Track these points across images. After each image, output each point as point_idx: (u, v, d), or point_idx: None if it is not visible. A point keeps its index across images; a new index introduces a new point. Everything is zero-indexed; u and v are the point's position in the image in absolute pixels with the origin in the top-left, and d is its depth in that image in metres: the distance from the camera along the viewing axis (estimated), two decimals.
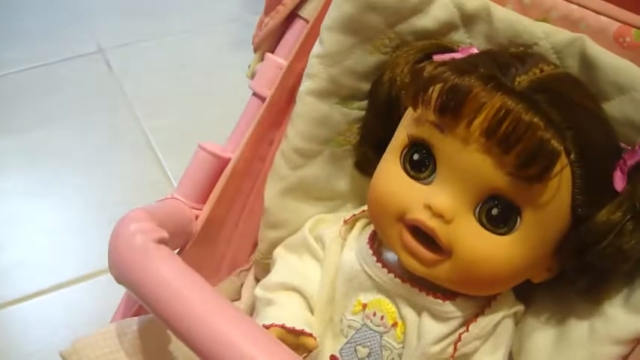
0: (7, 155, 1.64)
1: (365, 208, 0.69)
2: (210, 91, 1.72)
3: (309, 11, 0.72)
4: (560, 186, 0.55)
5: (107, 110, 1.73)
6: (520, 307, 0.65)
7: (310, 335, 0.64)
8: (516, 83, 0.56)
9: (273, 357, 0.48)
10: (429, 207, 0.57)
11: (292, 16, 0.73)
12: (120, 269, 0.56)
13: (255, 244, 0.78)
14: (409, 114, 0.62)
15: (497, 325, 0.63)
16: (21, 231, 1.47)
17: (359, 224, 0.70)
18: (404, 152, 0.61)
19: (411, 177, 0.60)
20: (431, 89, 0.57)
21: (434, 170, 0.59)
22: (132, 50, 1.92)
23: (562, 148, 0.53)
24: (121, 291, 1.13)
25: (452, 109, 0.55)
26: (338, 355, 0.65)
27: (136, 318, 0.70)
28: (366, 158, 0.71)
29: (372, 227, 0.68)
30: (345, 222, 0.69)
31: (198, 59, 1.87)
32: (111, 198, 1.49)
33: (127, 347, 0.67)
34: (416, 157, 0.60)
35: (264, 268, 0.76)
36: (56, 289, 1.36)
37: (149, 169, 1.56)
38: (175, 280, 0.53)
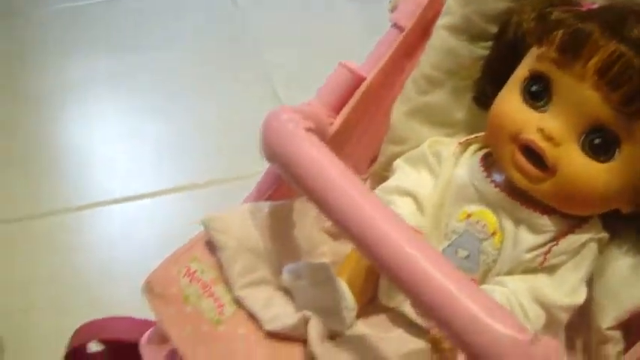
0: (134, 70, 1.77)
1: (478, 134, 0.80)
2: (329, 31, 1.83)
3: None
4: None
5: (229, 40, 1.85)
6: (605, 235, 0.75)
7: (421, 233, 0.75)
8: (631, 31, 0.66)
9: (411, 240, 0.59)
10: (541, 130, 0.68)
11: None
12: (273, 149, 0.67)
13: (373, 159, 0.90)
14: (531, 53, 0.72)
15: (583, 245, 0.73)
16: (136, 141, 1.62)
17: (472, 147, 0.80)
18: (524, 84, 0.72)
19: (528, 105, 0.71)
20: (555, 32, 0.67)
21: (549, 101, 0.70)
22: None
23: None
24: (211, 205, 1.29)
25: (572, 50, 0.66)
26: None
27: (267, 202, 0.82)
28: (485, 93, 0.81)
29: (483, 151, 0.79)
30: (460, 144, 0.80)
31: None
32: (220, 124, 1.62)
33: (257, 224, 0.79)
34: (534, 88, 0.71)
35: (380, 180, 0.87)
36: (156, 195, 1.52)
37: (264, 101, 1.68)
38: (322, 159, 0.65)
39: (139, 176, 1.57)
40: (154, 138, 1.67)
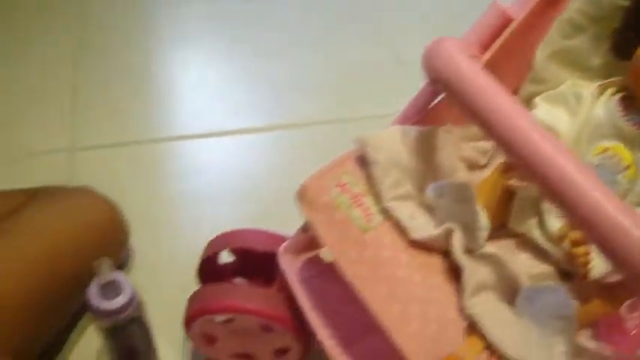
0: (246, 9, 1.86)
1: (615, 79, 0.87)
2: None
3: None
4: None
5: None
6: None
7: None
8: None
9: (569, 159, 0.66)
10: None
11: None
12: (440, 73, 0.75)
13: (514, 94, 0.97)
14: None
15: None
16: (253, 78, 1.71)
17: (609, 90, 0.87)
18: None
19: None
20: None
21: None
22: None
23: None
24: (286, 148, 1.36)
25: None
26: None
27: (413, 127, 0.89)
28: (622, 43, 0.88)
29: (620, 94, 0.86)
30: (599, 86, 0.87)
31: None
32: (331, 67, 1.69)
33: (406, 145, 0.87)
34: None
35: None
36: (238, 133, 1.60)
37: (379, 46, 1.75)
38: (489, 84, 0.72)
39: (252, 111, 1.65)
40: (272, 76, 1.76)
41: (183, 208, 1.39)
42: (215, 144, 1.57)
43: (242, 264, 1.13)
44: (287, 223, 1.05)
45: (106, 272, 0.93)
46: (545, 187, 0.66)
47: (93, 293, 0.95)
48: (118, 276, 0.94)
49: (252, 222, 1.12)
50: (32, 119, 1.60)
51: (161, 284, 1.05)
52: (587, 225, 0.63)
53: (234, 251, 1.12)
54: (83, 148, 1.53)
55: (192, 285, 1.10)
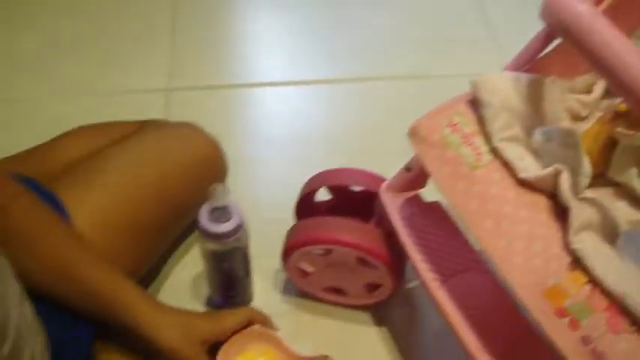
0: None
1: None
2: None
3: None
4: None
5: None
6: None
7: None
8: None
9: None
10: None
11: None
12: (559, 18, 0.79)
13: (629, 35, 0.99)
14: None
15: None
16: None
17: None
18: None
19: None
20: None
21: None
22: None
23: None
24: (375, 99, 1.41)
25: None
26: None
27: (524, 74, 0.94)
28: None
29: None
30: None
31: None
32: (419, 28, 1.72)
33: (517, 90, 0.91)
34: None
35: None
36: (304, 84, 1.64)
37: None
38: (602, 26, 0.76)
39: (347, 61, 1.70)
40: (370, 26, 1.79)
41: (277, 150, 1.45)
42: (307, 92, 1.62)
43: (337, 202, 1.18)
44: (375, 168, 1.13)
45: (220, 197, 0.98)
46: None
47: (204, 216, 1.01)
48: (230, 202, 1.00)
49: (343, 165, 1.17)
50: (130, 59, 1.67)
51: (255, 220, 1.10)
52: None
53: (331, 189, 1.17)
54: (179, 89, 1.59)
55: (286, 222, 1.16)
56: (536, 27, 0.87)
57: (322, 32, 1.77)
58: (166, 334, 0.92)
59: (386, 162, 1.11)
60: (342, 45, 1.72)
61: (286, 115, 1.55)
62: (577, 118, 0.97)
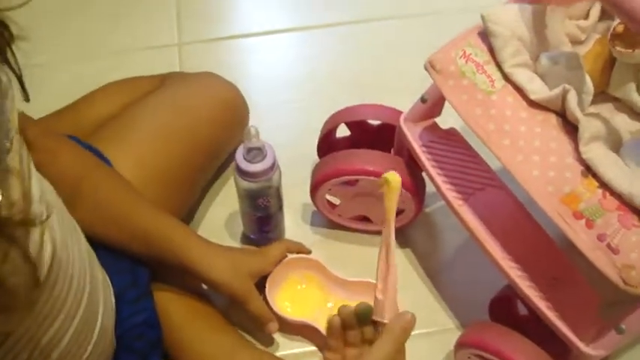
0: None
1: None
2: None
3: None
4: None
5: None
6: None
7: None
8: None
9: None
10: None
11: None
12: None
13: None
14: None
15: None
16: None
17: None
18: None
19: None
20: None
21: None
22: None
23: None
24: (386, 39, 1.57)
25: None
26: None
27: (529, 5, 1.02)
28: None
29: None
30: None
31: None
32: None
33: (523, 19, 1.00)
34: None
35: None
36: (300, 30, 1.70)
37: None
38: None
39: (352, 3, 1.77)
40: None
41: (292, 93, 1.53)
42: (315, 36, 1.69)
43: (356, 137, 1.28)
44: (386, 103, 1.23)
45: (255, 137, 1.07)
46: None
47: (241, 156, 1.10)
48: (264, 142, 1.09)
49: (356, 102, 1.27)
50: (139, 17, 1.73)
51: (280, 159, 1.19)
52: None
53: (350, 126, 1.27)
54: (190, 42, 1.66)
55: (309, 159, 1.29)
56: None
57: None
58: (218, 269, 1.02)
59: (396, 97, 1.23)
60: None
61: (296, 59, 1.63)
62: (576, 42, 1.06)
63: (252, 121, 1.35)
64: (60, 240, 0.72)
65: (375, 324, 0.83)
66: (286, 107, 1.49)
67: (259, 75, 1.59)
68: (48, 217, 0.66)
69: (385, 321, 0.81)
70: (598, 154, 0.89)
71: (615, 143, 0.95)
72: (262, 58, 1.62)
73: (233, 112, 1.30)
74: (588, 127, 0.90)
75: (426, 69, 1.01)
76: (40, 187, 0.69)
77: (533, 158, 0.92)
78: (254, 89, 1.46)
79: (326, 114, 1.27)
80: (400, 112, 1.16)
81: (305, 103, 1.50)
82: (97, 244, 0.94)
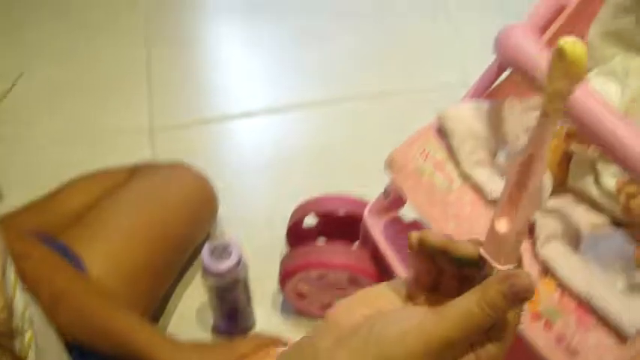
0: None
1: None
2: None
3: None
4: None
5: None
6: None
7: None
8: None
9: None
10: None
11: None
12: (516, 58, 0.90)
13: None
14: None
15: None
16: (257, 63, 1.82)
17: None
18: None
19: None
20: None
21: None
22: None
23: None
24: (322, 124, 1.51)
25: None
26: None
27: (484, 101, 1.04)
28: None
29: None
30: None
31: None
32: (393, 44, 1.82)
33: (479, 118, 1.02)
34: None
35: None
36: (280, 111, 1.72)
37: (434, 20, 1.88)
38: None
39: (321, 85, 1.78)
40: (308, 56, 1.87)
41: (262, 177, 1.54)
42: (285, 117, 1.71)
43: (325, 225, 1.28)
44: (357, 190, 1.24)
45: (219, 236, 1.08)
46: (609, 153, 0.80)
47: (206, 254, 1.10)
48: (230, 240, 1.10)
49: (327, 189, 1.28)
50: (111, 102, 1.74)
51: (249, 246, 1.21)
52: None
53: (318, 215, 1.27)
54: (162, 127, 1.67)
55: (278, 246, 1.28)
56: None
57: (293, 57, 1.85)
58: None
59: (366, 178, 1.24)
60: (312, 67, 1.81)
61: (266, 142, 1.63)
62: None
63: (223, 208, 1.35)
64: (40, 343, 0.74)
65: (483, 267, 0.50)
66: (257, 193, 1.48)
67: (228, 158, 1.60)
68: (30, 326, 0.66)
69: (499, 267, 0.49)
70: (556, 253, 0.90)
71: (574, 238, 0.95)
72: (233, 142, 1.64)
73: (203, 205, 1.31)
74: (545, 226, 0.90)
75: (385, 168, 1.01)
76: (24, 299, 0.70)
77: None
78: (223, 173, 1.47)
79: (295, 197, 1.28)
80: (366, 204, 1.16)
81: (274, 187, 1.51)
82: (72, 345, 0.97)
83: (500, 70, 0.98)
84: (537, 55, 0.86)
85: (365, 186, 1.21)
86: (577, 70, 0.44)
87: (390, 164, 1.01)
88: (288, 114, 1.69)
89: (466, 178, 0.98)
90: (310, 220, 1.27)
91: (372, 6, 1.92)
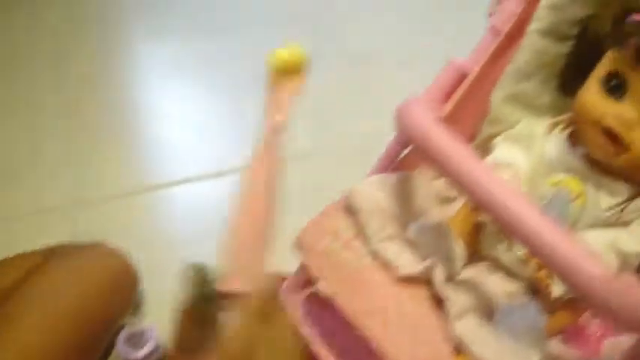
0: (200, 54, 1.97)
1: (564, 116, 1.00)
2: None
3: None
4: None
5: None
6: None
7: None
8: None
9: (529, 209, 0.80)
10: (619, 117, 0.88)
11: None
12: (412, 134, 0.89)
13: (472, 137, 1.10)
14: (610, 54, 0.92)
15: None
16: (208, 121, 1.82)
17: (559, 126, 1.00)
18: (604, 80, 0.91)
19: (607, 96, 0.91)
20: (631, 39, 0.87)
21: (624, 94, 0.89)
22: None
23: None
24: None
25: None
26: None
27: (391, 174, 1.03)
28: (569, 82, 1.01)
29: (569, 129, 0.99)
30: (550, 124, 1.00)
31: None
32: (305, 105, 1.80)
33: (385, 192, 1.00)
34: (613, 83, 0.90)
35: (479, 154, 1.07)
36: (207, 178, 1.68)
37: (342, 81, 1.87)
38: (452, 144, 0.86)
39: (209, 156, 1.76)
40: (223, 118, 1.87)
41: (188, 250, 1.50)
42: (207, 186, 1.68)
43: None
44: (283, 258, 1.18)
45: (134, 323, 1.05)
46: (506, 231, 0.80)
47: (121, 343, 1.07)
48: (145, 327, 1.06)
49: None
50: (33, 178, 1.69)
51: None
52: (547, 262, 0.78)
53: None
54: (83, 202, 1.63)
55: None
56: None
57: (211, 126, 1.84)
58: None
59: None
60: (232, 136, 1.78)
61: (192, 212, 1.60)
62: (447, 200, 1.06)
63: (146, 283, 1.31)
64: None
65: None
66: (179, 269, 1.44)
67: (151, 232, 1.56)
68: None
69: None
70: (469, 328, 0.88)
71: (488, 309, 0.94)
72: (153, 215, 1.60)
73: (122, 288, 1.26)
74: (456, 301, 0.89)
75: (293, 248, 0.98)
76: None
77: (404, 337, 0.90)
78: (147, 248, 1.42)
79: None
80: (285, 278, 1.13)
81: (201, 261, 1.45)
82: None
83: (403, 145, 0.96)
84: (433, 133, 0.84)
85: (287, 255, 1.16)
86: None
87: (299, 245, 0.98)
88: (209, 184, 1.65)
89: (375, 254, 0.95)
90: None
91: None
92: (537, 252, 0.78)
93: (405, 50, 1.95)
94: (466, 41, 1.05)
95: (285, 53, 0.51)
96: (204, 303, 0.54)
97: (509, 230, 0.80)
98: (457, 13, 1.93)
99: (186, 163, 1.72)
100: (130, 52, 2.06)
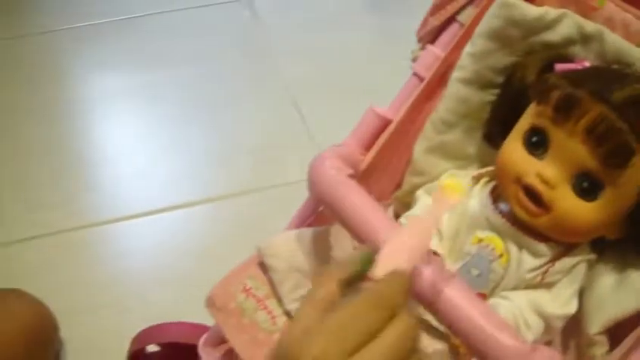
0: (164, 83, 1.93)
1: (488, 169, 0.95)
2: (345, 45, 1.98)
3: (465, 17, 0.97)
4: (634, 173, 0.81)
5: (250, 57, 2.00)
6: (593, 256, 0.90)
7: (439, 255, 0.91)
8: (614, 97, 0.81)
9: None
10: (539, 175, 0.83)
11: (451, 19, 0.99)
12: (321, 193, 0.84)
13: (397, 186, 1.05)
14: (531, 108, 0.87)
15: (574, 265, 0.89)
16: (169, 153, 1.78)
17: (482, 180, 0.96)
18: (525, 135, 0.87)
19: (529, 153, 0.86)
20: (552, 93, 0.83)
21: (546, 150, 0.85)
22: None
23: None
24: (219, 222, 1.43)
25: (565, 111, 0.81)
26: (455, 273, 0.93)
27: (308, 229, 0.97)
28: (493, 132, 0.97)
29: (492, 183, 0.94)
30: (473, 177, 0.96)
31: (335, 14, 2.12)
32: (247, 140, 1.77)
33: (302, 248, 0.95)
34: (534, 139, 0.86)
35: (403, 205, 1.02)
36: (167, 210, 1.65)
37: (285, 115, 1.82)
38: (361, 204, 0.81)
39: (174, 188, 1.72)
40: (187, 149, 1.83)
41: (113, 293, 1.44)
42: (141, 224, 1.64)
43: (167, 353, 1.19)
44: None
45: None
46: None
47: None
48: None
49: (180, 304, 1.19)
50: None
51: None
52: (461, 338, 0.72)
53: (159, 344, 1.18)
54: (16, 241, 1.57)
55: None
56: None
57: (146, 162, 1.80)
58: None
59: None
60: (174, 170, 1.76)
61: (120, 253, 1.55)
62: None
63: (66, 329, 1.25)
64: None
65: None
66: (100, 314, 1.38)
67: (72, 276, 1.50)
68: None
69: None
70: None
71: None
72: (76, 256, 1.55)
73: (39, 340, 1.20)
74: None
75: (205, 307, 0.93)
76: None
77: None
78: (66, 292, 1.37)
79: (148, 317, 1.21)
80: (206, 330, 1.08)
81: (122, 305, 1.39)
82: None
83: (317, 202, 0.91)
84: (340, 194, 0.79)
85: None
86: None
87: (210, 303, 0.93)
88: (135, 222, 1.63)
89: (289, 316, 0.89)
90: (153, 347, 1.17)
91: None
92: (450, 324, 0.73)
93: None
94: None
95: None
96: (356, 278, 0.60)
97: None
98: None
99: (112, 203, 1.67)
100: (73, 84, 1.99)
